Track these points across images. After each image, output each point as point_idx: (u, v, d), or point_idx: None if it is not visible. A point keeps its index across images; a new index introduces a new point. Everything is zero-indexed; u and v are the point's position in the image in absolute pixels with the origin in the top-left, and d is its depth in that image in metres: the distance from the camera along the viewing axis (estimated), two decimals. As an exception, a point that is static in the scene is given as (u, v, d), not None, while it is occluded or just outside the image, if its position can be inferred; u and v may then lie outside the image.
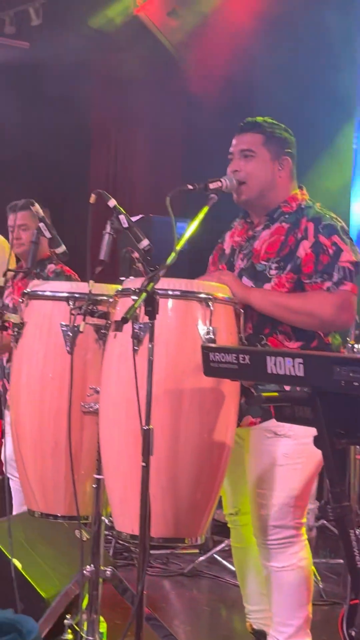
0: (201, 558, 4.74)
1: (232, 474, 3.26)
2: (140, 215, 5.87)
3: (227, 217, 3.45)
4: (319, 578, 4.30)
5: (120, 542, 4.67)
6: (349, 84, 6.84)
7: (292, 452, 3.08)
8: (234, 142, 3.28)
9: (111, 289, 3.13)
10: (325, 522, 5.00)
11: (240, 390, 3.03)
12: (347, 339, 4.75)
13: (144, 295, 2.60)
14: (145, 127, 7.94)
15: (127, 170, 8.14)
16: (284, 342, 3.11)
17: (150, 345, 2.68)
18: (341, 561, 4.59)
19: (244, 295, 3.10)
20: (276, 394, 2.43)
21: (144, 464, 2.62)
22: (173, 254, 2.79)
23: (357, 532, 2.25)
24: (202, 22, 7.18)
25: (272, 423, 3.04)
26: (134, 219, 3.15)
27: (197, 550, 4.86)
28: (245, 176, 3.21)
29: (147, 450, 2.61)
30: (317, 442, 2.37)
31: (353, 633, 2.15)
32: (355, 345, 4.91)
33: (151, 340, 2.67)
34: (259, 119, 3.28)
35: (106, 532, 3.20)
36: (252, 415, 3.12)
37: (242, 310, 3.09)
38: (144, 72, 7.37)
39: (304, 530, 3.18)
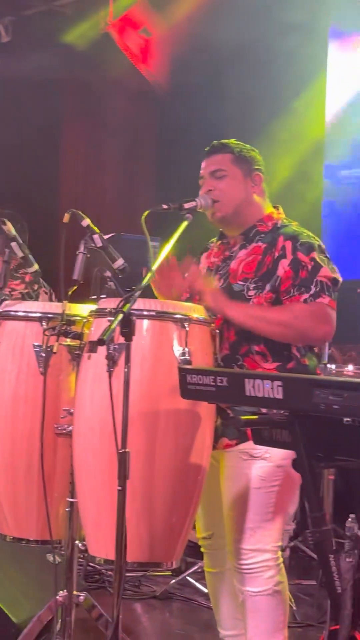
0: (174, 580, 4.68)
1: (206, 497, 3.21)
2: (112, 234, 5.84)
3: (201, 238, 3.43)
4: (292, 600, 4.26)
5: (91, 565, 4.61)
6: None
7: (268, 475, 3.05)
8: (203, 165, 3.28)
9: (85, 309, 3.09)
10: (298, 542, 4.98)
11: (216, 412, 3.00)
12: (321, 358, 4.75)
13: (120, 316, 2.57)
14: (117, 144, 7.92)
15: (97, 187, 8.11)
16: (261, 363, 3.08)
17: (126, 368, 2.65)
18: (314, 582, 4.56)
19: (220, 307, 3.08)
20: (255, 416, 2.40)
21: (119, 487, 2.58)
22: (150, 274, 2.77)
23: (350, 560, 2.22)
24: (172, 38, 7.22)
25: (249, 445, 3.01)
26: (105, 237, 3.13)
27: (169, 573, 4.81)
28: (220, 194, 3.19)
29: (123, 474, 2.58)
30: (296, 465, 2.34)
31: (334, 660, 2.12)
32: (329, 366, 4.90)
33: (127, 361, 2.64)
34: (225, 141, 3.29)
35: (80, 556, 3.15)
36: (228, 437, 3.09)
37: (218, 331, 3.07)
38: (116, 89, 7.36)
39: (279, 553, 3.15)
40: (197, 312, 2.98)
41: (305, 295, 3.05)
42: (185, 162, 4.04)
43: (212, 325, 3.06)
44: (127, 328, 2.59)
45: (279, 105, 6.81)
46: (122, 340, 2.67)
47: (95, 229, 2.99)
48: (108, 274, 3.13)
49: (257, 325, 3.06)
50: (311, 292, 3.04)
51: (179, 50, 7.16)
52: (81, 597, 3.08)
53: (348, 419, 2.27)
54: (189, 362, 2.85)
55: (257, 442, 2.67)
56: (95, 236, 2.96)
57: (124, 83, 7.34)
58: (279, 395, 2.30)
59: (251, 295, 3.12)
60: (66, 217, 2.98)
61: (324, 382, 2.26)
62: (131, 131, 7.66)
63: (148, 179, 7.78)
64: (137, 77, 7.39)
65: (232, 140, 3.31)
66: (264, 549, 3.06)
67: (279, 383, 2.30)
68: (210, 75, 7.04)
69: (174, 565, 3.01)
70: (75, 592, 3.08)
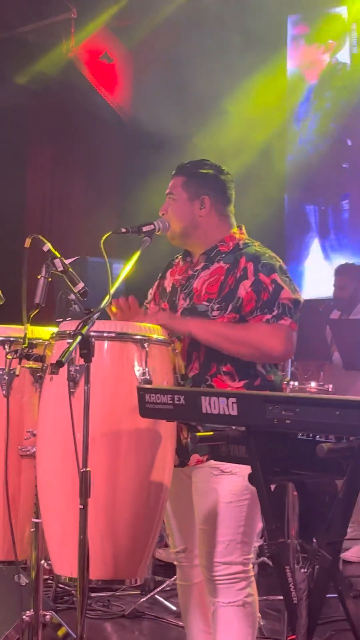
0: (143, 599, 4.71)
1: (179, 512, 3.27)
2: (76, 257, 5.90)
3: (167, 256, 3.50)
4: (259, 615, 4.30)
5: (61, 585, 4.63)
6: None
7: (238, 489, 3.10)
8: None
9: (48, 332, 3.14)
10: (266, 559, 5.03)
11: (188, 429, 3.06)
12: (283, 375, 4.82)
13: (78, 338, 2.63)
14: (82, 168, 7.99)
15: (64, 210, 8.17)
16: (228, 382, 3.14)
17: (86, 388, 2.70)
18: (282, 598, 4.60)
19: (183, 327, 3.14)
20: (211, 433, 2.46)
21: (81, 506, 2.63)
22: (107, 297, 2.83)
23: (305, 570, 2.28)
24: (135, 61, 7.34)
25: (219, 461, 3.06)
26: (70, 260, 3.19)
27: (138, 592, 4.84)
28: (168, 218, 3.27)
29: (84, 493, 2.62)
30: (252, 479, 2.40)
31: (290, 669, 2.17)
32: (291, 383, 4.98)
33: (87, 382, 2.69)
34: (194, 160, 3.34)
35: (46, 576, 3.18)
36: (199, 453, 3.14)
37: (187, 351, 3.14)
38: (81, 113, 7.43)
39: (251, 566, 3.20)
40: (156, 332, 3.04)
41: (268, 316, 3.11)
42: (151, 184, 4.12)
43: (172, 345, 3.12)
44: (86, 349, 2.65)
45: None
46: (83, 361, 2.73)
47: (56, 253, 3.04)
48: (72, 296, 3.18)
49: (218, 342, 3.12)
50: (274, 313, 3.10)
51: (140, 73, 7.27)
52: (47, 616, 3.11)
53: (302, 434, 2.35)
54: (149, 382, 2.91)
55: (215, 459, 2.74)
56: (56, 260, 3.02)
57: (88, 108, 7.41)
58: (234, 412, 2.37)
59: (215, 316, 3.17)
60: (27, 242, 3.04)
61: (276, 398, 2.33)
62: (96, 154, 7.73)
63: (114, 202, 7.85)
64: (101, 102, 7.47)
65: (205, 159, 3.35)
66: (235, 561, 3.12)
67: (234, 400, 2.36)
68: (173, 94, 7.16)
69: (139, 582, 3.05)
70: (42, 612, 3.12)
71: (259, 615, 4.16)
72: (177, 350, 3.19)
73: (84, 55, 7.20)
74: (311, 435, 2.34)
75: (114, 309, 3.26)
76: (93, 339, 2.72)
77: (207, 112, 7.20)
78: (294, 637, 2.19)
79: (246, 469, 3.01)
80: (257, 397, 2.37)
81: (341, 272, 6.43)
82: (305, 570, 2.20)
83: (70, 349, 2.61)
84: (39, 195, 8.23)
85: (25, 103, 7.59)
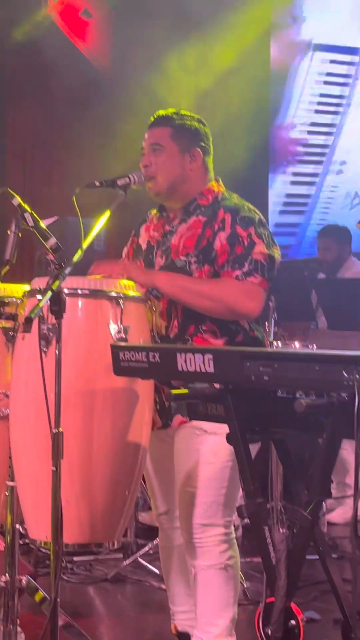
0: (125, 563, 4.66)
1: (161, 474, 3.22)
2: (56, 217, 5.77)
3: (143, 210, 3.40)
4: (242, 577, 4.26)
5: (43, 550, 4.57)
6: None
7: (221, 450, 3.02)
8: (145, 136, 3.23)
9: (22, 290, 3.05)
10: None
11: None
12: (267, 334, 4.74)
13: (48, 293, 2.53)
14: (62, 125, 7.87)
15: (45, 168, 8.07)
16: (210, 340, 3.06)
17: (57, 347, 2.61)
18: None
19: (149, 279, 3.05)
20: (185, 390, 2.38)
21: (54, 468, 2.55)
22: (79, 252, 2.73)
23: (284, 530, 2.21)
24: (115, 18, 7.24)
25: (202, 421, 2.99)
26: (49, 220, 3.08)
27: (121, 555, 4.79)
28: (155, 171, 3.15)
29: (56, 454, 2.54)
30: (230, 439, 2.33)
31: (269, 631, 2.11)
32: (275, 343, 4.90)
33: (58, 340, 2.60)
34: (171, 110, 3.23)
35: (27, 541, 3.11)
36: (182, 414, 3.07)
37: (165, 309, 3.06)
38: (60, 70, 7.30)
39: (232, 528, 3.15)
40: (132, 289, 2.94)
41: (238, 272, 3.02)
42: (130, 139, 4.01)
43: (149, 302, 3.03)
44: (57, 306, 2.55)
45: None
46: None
47: (27, 207, 2.93)
48: (52, 256, 3.08)
49: (184, 296, 3.04)
50: (244, 269, 3.02)
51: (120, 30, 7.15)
52: (24, 581, 3.04)
53: (281, 392, 2.27)
54: (125, 340, 2.82)
55: (192, 418, 2.66)
56: (27, 214, 2.91)
57: (67, 64, 7.28)
58: (211, 369, 2.28)
59: (193, 270, 3.09)
60: None
61: (254, 353, 2.24)
62: (76, 112, 7.60)
63: (94, 159, 7.72)
64: (80, 58, 7.35)
65: (183, 110, 3.25)
66: (217, 523, 3.06)
67: (210, 356, 2.28)
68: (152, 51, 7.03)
69: (116, 545, 2.99)
70: (18, 577, 3.05)
71: (241, 577, 4.13)
72: (155, 310, 3.10)
73: (63, 12, 7.06)
74: (291, 392, 2.26)
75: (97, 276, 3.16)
76: (65, 296, 2.62)
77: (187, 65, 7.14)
78: (273, 599, 2.12)
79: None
80: (234, 353, 2.28)
81: (325, 234, 6.36)
82: (285, 530, 2.12)
83: (40, 304, 2.51)
84: (20, 154, 8.12)
85: (3, 61, 7.45)
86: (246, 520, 4.80)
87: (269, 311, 4.68)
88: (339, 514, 5.70)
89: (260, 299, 3.06)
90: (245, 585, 4.24)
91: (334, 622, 3.75)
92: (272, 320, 4.86)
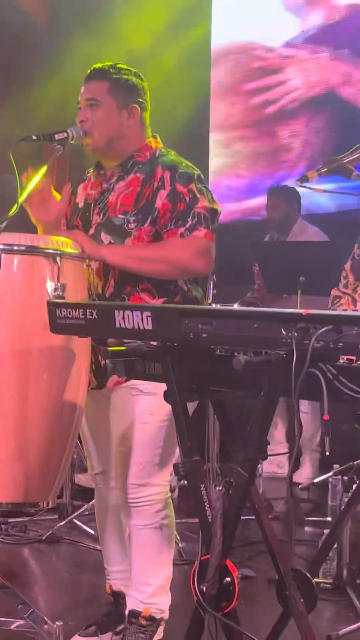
0: (60, 524, 4.65)
1: (97, 435, 3.20)
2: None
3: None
4: (178, 537, 4.28)
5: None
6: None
7: (157, 410, 3.02)
8: (82, 90, 3.16)
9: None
10: (186, 482, 5.01)
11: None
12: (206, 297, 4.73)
13: (-17, 248, 2.47)
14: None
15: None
16: (147, 300, 3.03)
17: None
18: (202, 520, 4.58)
19: (96, 252, 3.00)
20: (123, 347, 2.35)
21: (-13, 426, 2.51)
22: (15, 206, 2.67)
23: (220, 488, 2.19)
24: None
25: (138, 381, 2.96)
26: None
27: (56, 516, 4.77)
28: (92, 126, 3.09)
29: (-9, 413, 2.50)
30: (167, 397, 2.30)
31: (204, 588, 2.11)
32: (214, 305, 4.89)
33: (-7, 296, 2.54)
34: (108, 63, 3.16)
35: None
36: (119, 375, 3.04)
37: (93, 268, 3.01)
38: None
39: (168, 488, 3.14)
40: (69, 246, 2.89)
41: (182, 229, 3.00)
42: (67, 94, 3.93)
43: (87, 260, 2.98)
44: (-8, 261, 2.50)
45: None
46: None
47: None
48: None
49: (134, 265, 3.00)
50: (187, 224, 2.99)
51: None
52: None
53: (220, 350, 2.25)
54: (62, 298, 2.77)
55: (130, 377, 2.64)
56: None
57: (5, 22, 7.12)
58: (149, 326, 2.25)
59: (132, 229, 3.04)
60: None
61: (192, 311, 2.22)
62: (14, 68, 7.44)
63: (30, 117, 7.58)
64: (19, 15, 7.20)
65: (120, 64, 3.18)
66: (152, 483, 3.06)
67: (148, 313, 2.24)
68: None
69: (51, 505, 2.96)
70: None
71: (177, 537, 4.15)
72: (92, 267, 3.06)
73: None
74: (229, 351, 2.25)
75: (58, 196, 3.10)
76: (0, 252, 2.56)
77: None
78: (208, 556, 2.12)
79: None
80: (172, 310, 2.26)
81: (272, 194, 6.34)
82: (221, 488, 2.12)
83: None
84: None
85: None
86: (183, 482, 4.85)
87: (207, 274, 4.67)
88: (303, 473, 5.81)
89: (209, 253, 3.04)
90: (180, 545, 4.26)
91: (269, 581, 3.81)
92: (211, 283, 4.86)
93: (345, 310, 3.39)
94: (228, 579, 2.11)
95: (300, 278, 5.12)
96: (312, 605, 2.32)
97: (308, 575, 2.31)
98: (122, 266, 3.01)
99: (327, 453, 1.92)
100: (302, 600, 2.24)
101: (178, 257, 2.99)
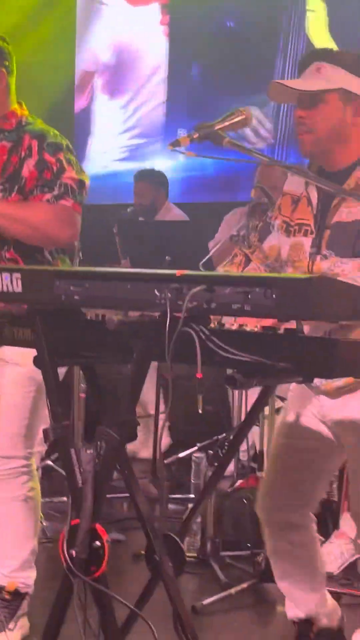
0: None
1: None
2: None
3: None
4: (42, 516, 4.23)
5: None
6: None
7: (23, 380, 2.96)
8: None
9: None
10: (50, 462, 4.94)
11: None
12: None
13: None
14: None
15: None
16: None
17: None
18: (65, 499, 4.54)
19: None
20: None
21: None
22: None
23: (90, 451, 2.16)
24: None
25: (4, 351, 2.89)
26: None
27: None
28: None
29: None
30: (37, 362, 2.26)
31: (74, 553, 2.08)
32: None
33: None
34: None
35: None
36: None
37: None
38: None
39: (33, 460, 3.10)
40: None
41: (48, 195, 2.96)
42: None
43: None
44: None
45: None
46: None
47: None
48: None
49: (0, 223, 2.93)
50: (54, 192, 2.95)
51: None
52: None
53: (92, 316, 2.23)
54: None
55: (-3, 343, 2.56)
56: None
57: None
58: (19, 289, 2.20)
59: None
60: None
61: (64, 272, 2.19)
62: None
63: None
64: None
65: None
66: (18, 455, 3.02)
67: (18, 275, 2.19)
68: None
69: None
70: None
71: (41, 516, 4.10)
72: None
73: None
74: (101, 315, 2.22)
75: None
76: None
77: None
78: (77, 521, 2.09)
79: (31, 360, 2.87)
80: (44, 272, 2.22)
81: (140, 178, 6.29)
82: (92, 451, 2.09)
83: None
84: None
85: None
86: (45, 462, 4.78)
87: (74, 249, 4.61)
88: None
89: (75, 224, 3.01)
90: (44, 524, 4.21)
91: (134, 556, 3.84)
92: (77, 260, 4.80)
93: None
94: (98, 542, 2.09)
95: (167, 257, 5.12)
96: (180, 570, 2.33)
97: (177, 539, 2.31)
98: None
99: (200, 411, 1.92)
100: (170, 564, 2.25)
101: (45, 224, 2.95)
